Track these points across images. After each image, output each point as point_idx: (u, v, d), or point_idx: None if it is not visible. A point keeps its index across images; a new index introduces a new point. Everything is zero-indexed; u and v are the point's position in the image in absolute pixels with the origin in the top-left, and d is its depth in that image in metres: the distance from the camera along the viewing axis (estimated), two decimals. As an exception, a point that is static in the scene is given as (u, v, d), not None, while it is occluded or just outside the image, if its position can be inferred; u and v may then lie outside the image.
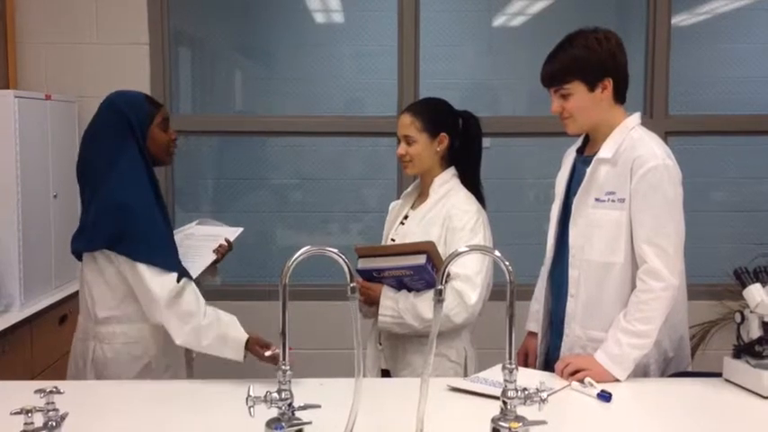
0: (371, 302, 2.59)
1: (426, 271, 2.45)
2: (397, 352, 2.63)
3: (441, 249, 2.51)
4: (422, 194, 2.72)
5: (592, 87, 2.30)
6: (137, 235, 2.33)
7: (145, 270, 2.31)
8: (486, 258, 2.53)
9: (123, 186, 2.35)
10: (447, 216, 2.58)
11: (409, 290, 2.55)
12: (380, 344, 2.68)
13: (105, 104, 2.49)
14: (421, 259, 2.43)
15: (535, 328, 2.59)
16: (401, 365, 2.61)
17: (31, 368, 3.19)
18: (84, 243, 2.42)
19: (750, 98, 4.32)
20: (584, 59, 2.29)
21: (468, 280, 2.49)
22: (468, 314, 2.50)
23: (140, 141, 2.42)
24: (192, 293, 2.36)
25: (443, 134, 2.63)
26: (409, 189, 2.80)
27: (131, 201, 2.34)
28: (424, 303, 2.50)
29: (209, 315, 2.34)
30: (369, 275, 2.58)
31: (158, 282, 2.31)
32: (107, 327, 2.41)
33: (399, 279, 2.53)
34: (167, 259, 2.36)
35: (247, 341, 2.32)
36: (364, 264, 2.55)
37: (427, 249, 2.45)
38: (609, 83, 2.31)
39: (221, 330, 2.32)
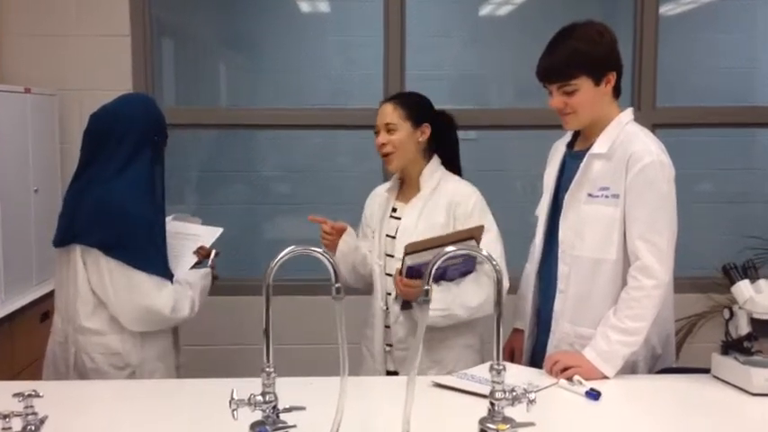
0: (413, 299, 2.52)
1: (475, 259, 2.48)
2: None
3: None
4: (406, 187, 2.70)
5: (598, 82, 2.27)
6: (136, 241, 2.31)
7: (146, 280, 2.31)
8: (499, 238, 2.57)
9: (129, 187, 2.33)
10: (450, 203, 2.59)
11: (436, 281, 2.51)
12: (389, 345, 2.65)
13: (139, 100, 2.54)
14: (472, 245, 2.43)
15: (521, 325, 2.57)
16: (426, 364, 2.52)
17: (11, 366, 3.14)
18: (73, 234, 2.37)
19: (736, 88, 4.32)
20: (590, 53, 2.25)
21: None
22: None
23: (160, 146, 2.46)
24: (174, 293, 2.40)
25: (426, 124, 2.64)
26: (390, 184, 2.76)
27: (135, 205, 2.32)
28: (468, 292, 2.51)
29: (186, 288, 2.46)
30: (416, 272, 2.46)
31: (162, 295, 2.34)
32: (85, 337, 2.37)
33: (443, 270, 2.48)
34: (162, 270, 2.38)
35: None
36: (413, 260, 2.45)
37: (475, 234, 2.45)
38: (613, 77, 2.28)
39: (198, 290, 2.51)
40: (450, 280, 2.53)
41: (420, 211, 2.62)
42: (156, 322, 2.38)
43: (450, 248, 1.70)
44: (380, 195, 2.78)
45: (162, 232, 2.46)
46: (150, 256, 2.34)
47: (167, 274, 2.41)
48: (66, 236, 2.40)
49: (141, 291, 2.31)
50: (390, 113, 2.62)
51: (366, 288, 2.77)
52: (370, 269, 2.71)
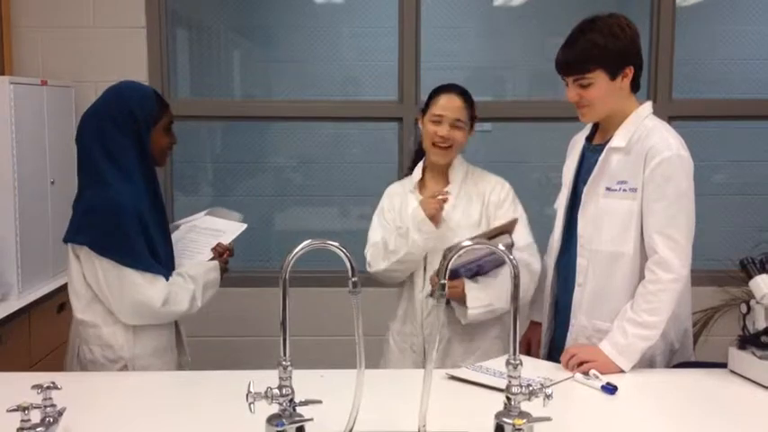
0: (454, 299, 2.53)
1: (509, 247, 2.49)
2: (450, 345, 2.58)
3: (482, 227, 2.57)
4: (429, 179, 2.69)
5: (614, 76, 2.26)
6: (125, 238, 2.29)
7: (137, 276, 2.30)
8: (528, 224, 2.61)
9: (118, 185, 2.31)
10: (483, 192, 2.62)
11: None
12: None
13: (112, 92, 2.41)
14: (508, 239, 2.44)
15: (538, 317, 2.57)
16: (462, 356, 2.56)
17: (29, 357, 3.17)
18: (70, 234, 2.37)
19: (755, 80, 4.27)
20: (608, 47, 2.23)
21: (529, 248, 2.55)
22: (536, 285, 2.55)
23: (144, 139, 2.37)
24: (170, 287, 2.38)
25: (474, 123, 2.67)
26: (410, 179, 2.73)
27: (124, 202, 2.29)
28: (507, 284, 2.45)
29: (186, 282, 2.42)
30: (455, 272, 2.49)
31: (153, 289, 2.32)
32: (83, 329, 2.39)
33: (479, 266, 2.50)
34: (153, 264, 2.35)
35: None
36: (454, 262, 2.47)
37: (509, 229, 2.47)
38: (630, 71, 2.27)
39: (201, 284, 2.45)
40: (486, 273, 2.54)
41: (453, 203, 2.60)
42: (150, 315, 2.35)
43: (467, 243, 1.71)
44: (399, 193, 2.74)
45: (158, 225, 2.42)
46: (140, 253, 2.31)
47: (160, 268, 2.36)
48: (66, 235, 2.40)
49: (133, 286, 2.30)
50: (462, 110, 2.60)
51: (390, 281, 2.73)
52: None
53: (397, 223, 2.67)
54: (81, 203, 2.37)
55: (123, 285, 2.30)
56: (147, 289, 2.32)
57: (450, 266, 2.38)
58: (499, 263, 2.53)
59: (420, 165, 2.72)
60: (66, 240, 2.39)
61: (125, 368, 2.37)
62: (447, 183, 2.66)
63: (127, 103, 2.36)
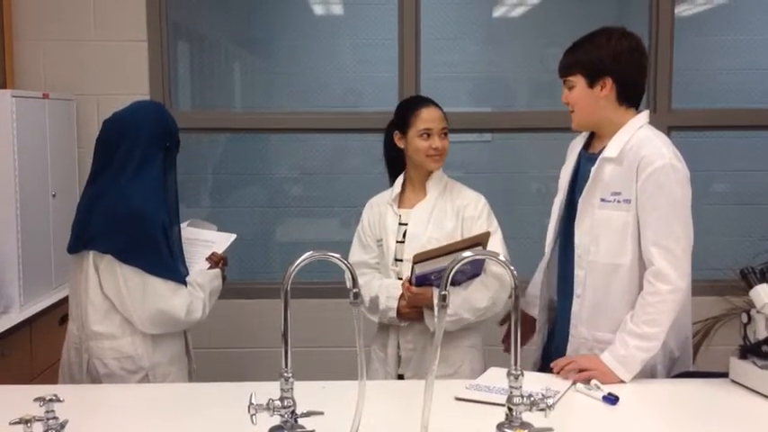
0: (422, 306, 2.56)
1: (482, 262, 2.52)
2: (424, 354, 2.59)
3: (457, 239, 2.57)
4: (409, 192, 2.71)
5: (591, 84, 2.30)
6: (150, 246, 2.33)
7: (160, 284, 2.33)
8: (503, 241, 2.63)
9: (141, 193, 2.35)
10: (458, 207, 2.64)
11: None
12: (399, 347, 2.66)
13: (152, 105, 2.61)
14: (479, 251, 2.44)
15: (532, 311, 2.57)
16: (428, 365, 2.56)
17: (30, 369, 3.17)
18: (87, 242, 2.39)
19: (756, 89, 4.28)
20: (587, 54, 2.30)
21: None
22: (509, 296, 2.54)
23: (171, 155, 2.47)
24: (190, 296, 2.42)
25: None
26: (390, 191, 2.75)
27: (149, 210, 2.34)
28: (475, 295, 2.55)
29: (198, 290, 2.47)
30: (424, 279, 2.52)
31: (177, 299, 2.37)
32: (97, 342, 2.40)
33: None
34: (177, 272, 2.40)
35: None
36: (421, 268, 2.50)
37: (482, 240, 2.50)
38: (608, 82, 2.28)
39: (208, 292, 2.51)
40: (457, 284, 2.55)
41: (428, 215, 2.64)
42: (171, 325, 2.41)
43: (467, 253, 1.72)
44: (379, 204, 2.77)
45: (176, 236, 2.48)
46: (165, 261, 2.36)
47: (182, 277, 2.42)
48: (79, 242, 2.42)
49: (157, 295, 2.34)
50: (444, 119, 2.67)
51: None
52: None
53: (376, 236, 2.71)
54: (102, 209, 2.38)
55: (147, 294, 2.33)
56: (170, 298, 2.36)
57: (419, 273, 2.47)
58: (472, 275, 2.55)
59: (400, 178, 2.74)
60: (78, 249, 2.40)
61: (145, 378, 2.39)
62: (424, 195, 2.67)
63: (166, 119, 2.50)
